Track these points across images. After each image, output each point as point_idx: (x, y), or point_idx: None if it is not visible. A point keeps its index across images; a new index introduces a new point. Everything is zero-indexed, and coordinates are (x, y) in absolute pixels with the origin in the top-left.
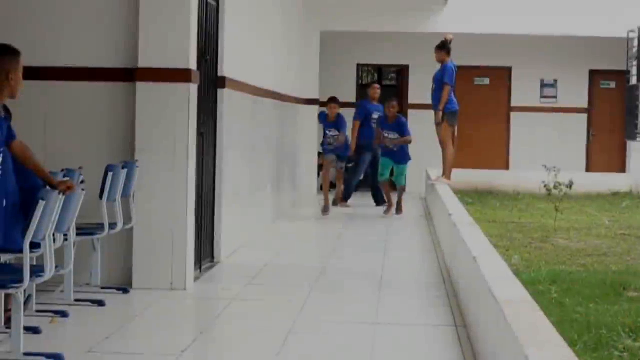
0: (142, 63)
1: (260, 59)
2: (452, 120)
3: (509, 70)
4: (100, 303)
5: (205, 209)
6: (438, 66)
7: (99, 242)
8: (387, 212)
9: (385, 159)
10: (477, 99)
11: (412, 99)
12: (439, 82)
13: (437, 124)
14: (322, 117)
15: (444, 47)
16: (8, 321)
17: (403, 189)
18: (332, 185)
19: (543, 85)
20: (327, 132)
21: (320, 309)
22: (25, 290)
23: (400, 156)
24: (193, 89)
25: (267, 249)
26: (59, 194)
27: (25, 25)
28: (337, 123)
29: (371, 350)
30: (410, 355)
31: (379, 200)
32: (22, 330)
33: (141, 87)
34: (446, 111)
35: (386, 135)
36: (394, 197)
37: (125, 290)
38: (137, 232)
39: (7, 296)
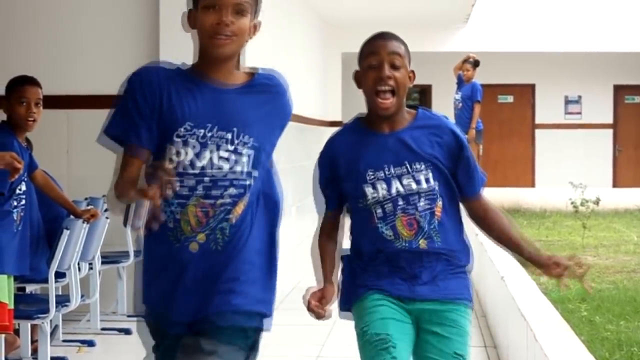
0: None
1: None
2: (479, 139)
3: (532, 87)
4: (127, 331)
5: None
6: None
7: (124, 270)
8: None
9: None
10: (501, 117)
11: None
12: (468, 101)
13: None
14: None
15: (477, 65)
16: (35, 352)
17: None
18: None
19: (567, 101)
20: None
21: (347, 332)
22: (51, 320)
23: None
24: None
25: (292, 273)
26: (83, 222)
27: (46, 53)
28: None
29: None
30: None
31: None
32: None
33: None
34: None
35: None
36: None
37: None
38: None
39: (34, 327)
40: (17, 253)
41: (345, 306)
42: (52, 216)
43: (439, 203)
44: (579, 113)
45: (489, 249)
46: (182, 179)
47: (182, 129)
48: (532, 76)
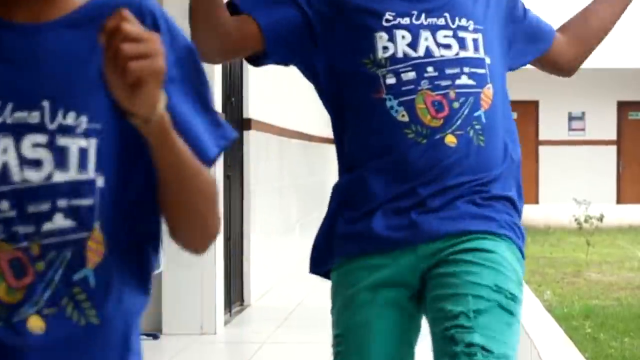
0: None
1: (285, 99)
2: None
3: (536, 104)
4: (155, 336)
5: (234, 251)
6: None
7: None
8: None
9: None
10: None
11: None
12: None
13: None
14: None
15: None
16: None
17: None
18: None
19: (571, 118)
20: None
21: None
22: None
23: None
24: None
25: (296, 290)
26: None
27: None
28: None
29: None
30: None
31: None
32: None
33: None
34: None
35: None
36: None
37: (155, 336)
38: (165, 277)
39: None
40: None
41: (315, 269)
42: None
43: (489, 88)
44: (583, 129)
45: None
46: None
47: None
48: (536, 93)
